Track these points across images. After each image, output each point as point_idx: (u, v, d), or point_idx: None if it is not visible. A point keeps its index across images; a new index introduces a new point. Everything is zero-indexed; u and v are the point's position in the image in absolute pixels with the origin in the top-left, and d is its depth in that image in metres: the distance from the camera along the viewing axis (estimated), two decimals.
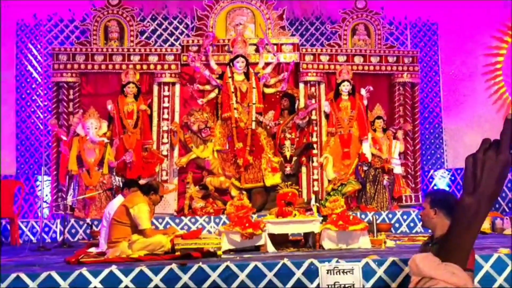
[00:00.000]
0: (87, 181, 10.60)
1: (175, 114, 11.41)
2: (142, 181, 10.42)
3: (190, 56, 11.24)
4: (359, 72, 11.78)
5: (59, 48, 11.45)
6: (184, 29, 12.23)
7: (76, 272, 4.94)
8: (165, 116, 11.34)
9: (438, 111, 12.76)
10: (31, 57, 12.02)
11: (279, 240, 7.61)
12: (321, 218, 7.62)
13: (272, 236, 7.39)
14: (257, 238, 7.19)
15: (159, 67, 11.42)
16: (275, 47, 11.56)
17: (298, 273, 5.14)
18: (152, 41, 11.87)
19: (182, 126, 11.32)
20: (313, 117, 11.48)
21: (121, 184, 9.77)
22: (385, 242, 7.29)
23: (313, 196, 10.27)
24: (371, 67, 11.83)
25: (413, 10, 12.60)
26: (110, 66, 11.38)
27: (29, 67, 12.00)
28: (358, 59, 11.80)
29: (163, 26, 12.24)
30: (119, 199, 7.58)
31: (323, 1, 12.37)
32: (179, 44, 11.80)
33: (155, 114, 11.34)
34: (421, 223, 4.60)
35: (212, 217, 10.21)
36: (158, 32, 12.19)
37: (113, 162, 10.72)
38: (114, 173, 10.80)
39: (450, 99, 12.68)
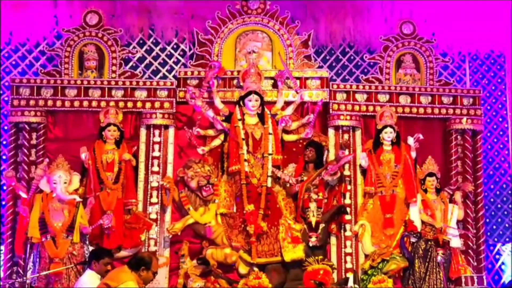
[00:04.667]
0: (52, 251, 10.33)
1: (168, 166, 11.30)
2: (123, 253, 10.54)
3: (188, 91, 11.14)
4: (406, 116, 11.70)
5: (20, 79, 11.37)
6: (180, 57, 12.21)
7: None
8: (155, 168, 11.23)
9: (506, 167, 12.60)
10: None
11: None
12: None
13: None
14: None
15: (148, 105, 11.33)
16: (298, 82, 11.49)
17: None
18: (140, 72, 11.83)
19: (176, 182, 11.18)
20: (346, 172, 11.33)
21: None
22: None
23: (350, 275, 10.33)
24: (421, 110, 11.72)
25: (472, 37, 12.53)
26: (85, 103, 11.28)
27: None
28: (404, 99, 11.72)
29: (153, 53, 12.21)
30: (89, 276, 7.89)
31: (358, 24, 12.29)
32: (174, 76, 11.78)
33: (142, 166, 11.24)
34: None
35: None
36: (146, 61, 12.16)
37: (87, 228, 10.53)
38: (88, 242, 10.64)
39: None
